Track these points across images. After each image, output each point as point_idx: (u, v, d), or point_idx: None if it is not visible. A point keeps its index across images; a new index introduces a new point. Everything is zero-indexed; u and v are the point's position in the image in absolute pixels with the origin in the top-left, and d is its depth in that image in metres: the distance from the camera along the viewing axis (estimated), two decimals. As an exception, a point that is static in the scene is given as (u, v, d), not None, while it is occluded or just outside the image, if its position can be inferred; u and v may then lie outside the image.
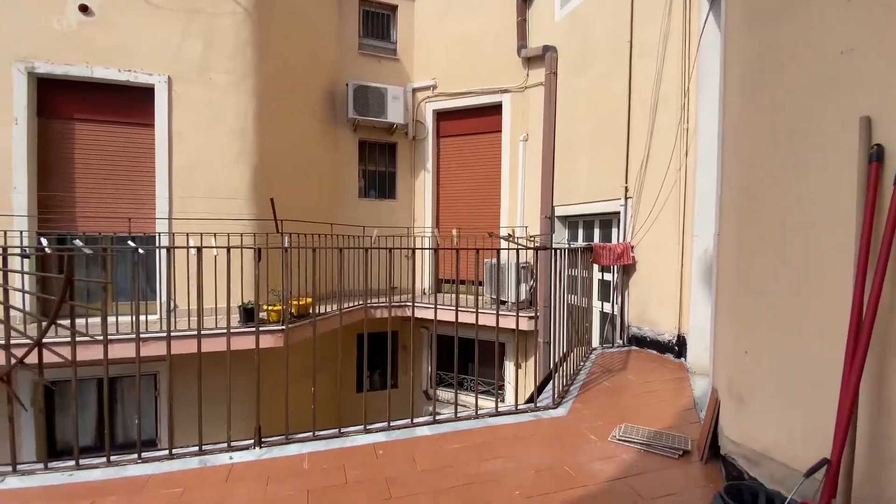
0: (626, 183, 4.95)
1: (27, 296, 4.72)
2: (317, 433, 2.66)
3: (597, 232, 5.72)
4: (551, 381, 3.44)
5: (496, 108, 7.45)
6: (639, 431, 2.75)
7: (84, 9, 5.55)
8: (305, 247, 2.99)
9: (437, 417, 2.94)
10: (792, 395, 1.84)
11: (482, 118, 7.70)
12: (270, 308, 5.40)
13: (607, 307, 5.37)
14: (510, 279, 6.28)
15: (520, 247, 3.38)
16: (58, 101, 5.60)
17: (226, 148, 6.01)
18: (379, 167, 8.37)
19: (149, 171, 5.75)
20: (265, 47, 6.34)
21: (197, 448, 2.46)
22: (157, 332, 4.67)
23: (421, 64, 8.17)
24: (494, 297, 6.59)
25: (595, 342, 5.32)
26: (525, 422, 3.01)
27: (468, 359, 7.72)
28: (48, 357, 2.24)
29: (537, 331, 4.87)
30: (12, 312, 2.41)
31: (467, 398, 7.35)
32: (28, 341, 2.18)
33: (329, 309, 5.92)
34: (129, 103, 5.77)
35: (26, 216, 5.22)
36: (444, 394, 7.96)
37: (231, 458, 2.43)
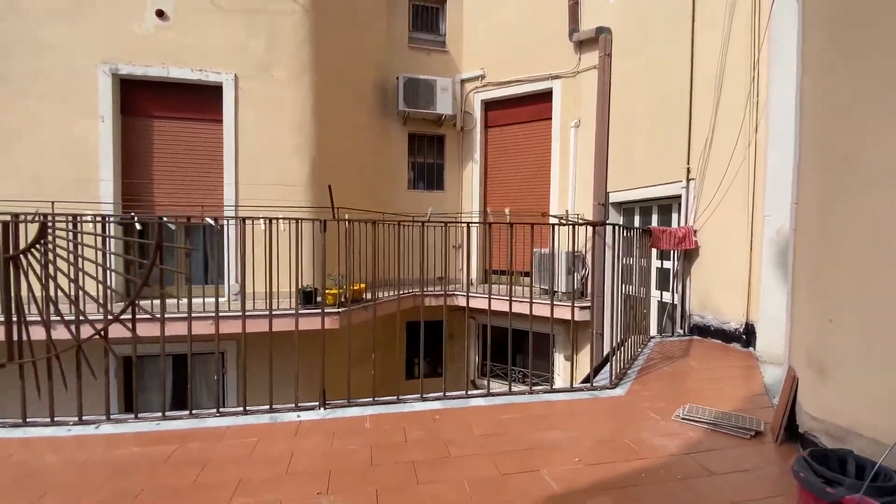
0: (689, 164, 4.72)
1: (115, 267, 5.20)
2: (376, 399, 2.75)
3: (655, 218, 5.50)
4: (609, 363, 3.35)
5: (546, 96, 7.34)
6: (705, 412, 2.63)
7: (160, 14, 6.02)
8: (366, 220, 3.10)
9: (492, 391, 2.95)
10: (883, 363, 1.70)
11: (531, 106, 7.60)
12: (327, 291, 5.62)
13: (665, 297, 5.15)
14: (561, 268, 6.17)
15: (576, 222, 3.32)
16: (138, 99, 6.11)
17: (286, 140, 6.33)
18: (427, 159, 8.49)
19: (217, 163, 6.16)
20: (321, 44, 6.60)
21: (268, 407, 2.63)
22: (227, 311, 4.99)
23: (469, 55, 8.19)
24: (544, 287, 6.50)
25: (653, 332, 5.12)
26: (581, 399, 2.96)
27: (516, 350, 7.66)
28: (119, 332, 2.47)
29: (593, 321, 4.75)
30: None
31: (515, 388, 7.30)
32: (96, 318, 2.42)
33: (380, 296, 6.08)
34: (201, 100, 6.20)
35: (112, 203, 5.75)
36: (496, 386, 7.92)
37: (299, 416, 2.57)
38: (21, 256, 2.36)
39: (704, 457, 2.17)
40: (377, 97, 7.83)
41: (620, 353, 3.58)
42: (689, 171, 4.73)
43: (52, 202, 5.18)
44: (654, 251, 4.77)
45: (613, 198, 5.93)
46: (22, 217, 2.42)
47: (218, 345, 2.74)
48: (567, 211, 6.80)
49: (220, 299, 5.84)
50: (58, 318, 2.41)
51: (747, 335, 4.12)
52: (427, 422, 2.54)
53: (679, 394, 3.06)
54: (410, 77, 7.66)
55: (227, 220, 5.76)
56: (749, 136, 4.11)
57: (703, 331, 4.56)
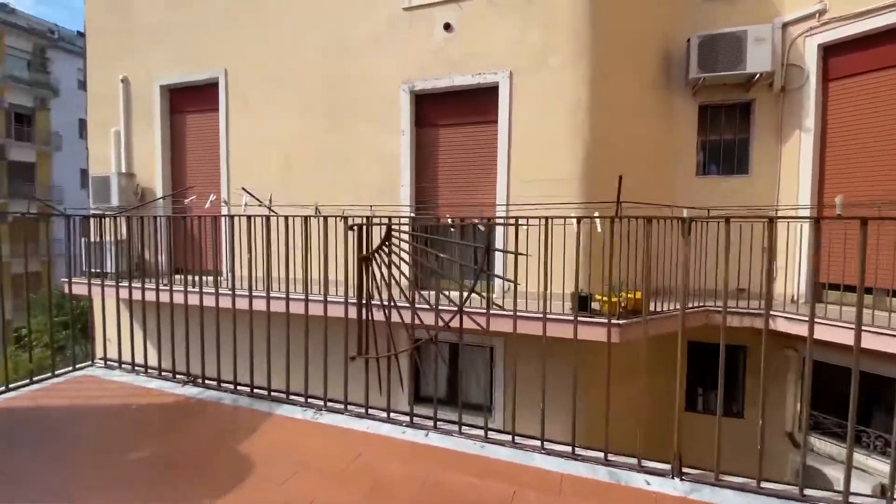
0: None
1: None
2: (762, 486, 1.85)
3: None
4: None
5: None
6: None
7: (447, 27, 6.42)
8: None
9: None
10: None
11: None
12: (604, 299, 4.91)
13: None
14: None
15: None
16: (427, 111, 6.70)
17: (558, 132, 5.89)
18: (725, 135, 6.70)
19: (492, 162, 6.23)
20: (599, 19, 5.87)
21: (602, 456, 2.08)
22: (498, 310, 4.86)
23: (799, -14, 6.01)
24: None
25: None
26: None
27: (872, 402, 5.28)
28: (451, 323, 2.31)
29: None
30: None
31: (867, 461, 5.02)
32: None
33: (658, 308, 4.99)
34: (478, 103, 6.37)
35: (409, 205, 6.49)
36: (825, 445, 5.68)
37: (648, 483, 1.92)
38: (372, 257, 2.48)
39: None
40: (660, 67, 6.58)
41: None
42: None
43: (371, 206, 6.15)
44: None
45: None
46: (373, 221, 2.56)
47: (545, 337, 2.37)
48: None
49: (495, 298, 5.89)
50: (398, 319, 2.46)
51: None
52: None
53: None
54: (708, 34, 6.11)
55: (505, 228, 5.71)
56: None
57: None
